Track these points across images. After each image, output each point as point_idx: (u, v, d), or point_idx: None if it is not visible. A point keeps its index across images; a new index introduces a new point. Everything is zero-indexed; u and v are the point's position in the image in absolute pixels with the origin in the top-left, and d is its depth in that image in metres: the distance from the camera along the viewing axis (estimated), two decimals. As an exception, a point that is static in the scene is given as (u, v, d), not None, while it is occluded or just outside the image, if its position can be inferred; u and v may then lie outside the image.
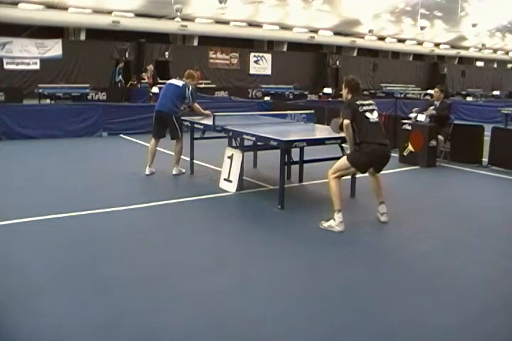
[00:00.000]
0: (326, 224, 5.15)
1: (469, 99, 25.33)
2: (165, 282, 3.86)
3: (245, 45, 27.64)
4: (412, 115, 9.07)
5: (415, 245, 4.88)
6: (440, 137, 8.86)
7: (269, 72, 27.83)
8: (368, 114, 5.19)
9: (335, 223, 5.10)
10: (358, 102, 5.22)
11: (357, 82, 5.43)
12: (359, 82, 5.47)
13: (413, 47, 34.70)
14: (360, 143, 5.15)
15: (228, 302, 3.57)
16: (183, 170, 7.67)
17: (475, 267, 4.35)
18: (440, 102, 9.10)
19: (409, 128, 8.93)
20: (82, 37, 22.65)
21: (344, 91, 5.41)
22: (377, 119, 5.27)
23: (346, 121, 5.11)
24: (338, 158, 5.64)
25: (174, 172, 7.58)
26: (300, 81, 27.01)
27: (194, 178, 7.53)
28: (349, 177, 6.35)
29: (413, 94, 26.53)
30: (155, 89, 14.88)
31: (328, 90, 23.44)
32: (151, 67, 18.75)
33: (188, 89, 7.47)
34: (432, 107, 9.08)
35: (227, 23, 25.65)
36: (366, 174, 5.75)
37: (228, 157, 6.71)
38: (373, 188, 5.59)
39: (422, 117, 8.83)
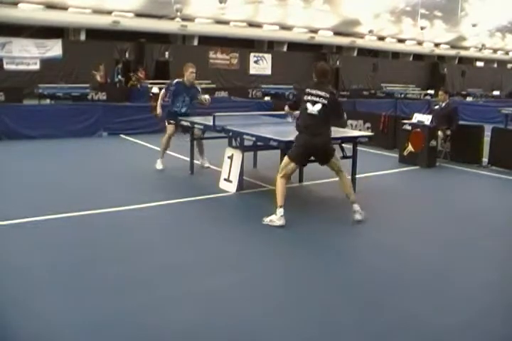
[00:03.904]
0: (267, 220, 5.23)
1: (469, 99, 25.28)
2: (164, 282, 3.86)
3: (245, 45, 27.63)
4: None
5: (415, 245, 4.88)
6: (440, 133, 8.91)
7: (269, 72, 27.81)
8: (308, 105, 5.26)
9: (276, 217, 5.18)
10: (306, 90, 5.32)
11: (323, 69, 5.47)
12: (326, 69, 5.52)
13: (413, 48, 34.69)
14: (298, 132, 5.38)
15: (227, 302, 3.57)
16: (160, 167, 7.73)
17: (475, 267, 4.36)
18: (446, 103, 9.38)
19: (409, 128, 8.94)
20: (82, 37, 22.65)
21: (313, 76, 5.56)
22: (316, 112, 5.24)
23: (286, 108, 5.76)
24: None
25: (157, 166, 7.74)
26: (300, 81, 26.99)
27: (194, 178, 7.53)
28: (349, 177, 6.35)
29: (413, 94, 26.51)
30: (155, 89, 14.86)
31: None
32: (103, 66, 18.70)
33: (171, 85, 7.73)
34: (437, 106, 9.48)
35: (227, 23, 25.65)
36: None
37: (228, 157, 6.71)
38: (341, 188, 5.59)
39: (422, 118, 8.85)
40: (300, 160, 5.42)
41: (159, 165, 7.80)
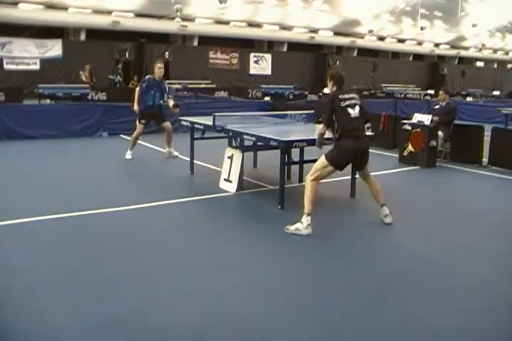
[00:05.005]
0: (292, 228, 4.99)
1: (469, 99, 25.30)
2: (164, 282, 3.86)
3: (245, 45, 27.66)
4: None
5: (415, 245, 4.88)
6: (440, 134, 8.91)
7: (269, 72, 27.84)
8: (349, 110, 5.15)
9: (302, 226, 4.96)
10: (339, 96, 5.20)
11: (341, 74, 5.45)
12: (343, 75, 5.47)
13: (413, 48, 34.72)
14: (338, 138, 5.17)
15: (228, 302, 3.57)
16: (129, 157, 8.42)
17: (475, 267, 4.35)
18: (446, 103, 9.40)
19: (409, 128, 8.94)
20: (82, 37, 22.66)
21: (329, 84, 5.44)
22: (358, 115, 5.21)
23: (321, 126, 5.26)
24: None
25: (126, 156, 8.46)
26: (300, 81, 27.01)
27: (194, 178, 7.53)
28: (349, 177, 6.36)
29: (413, 94, 26.55)
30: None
31: (328, 90, 23.35)
32: (88, 66, 18.74)
33: (144, 81, 8.58)
34: (437, 106, 9.48)
35: (227, 23, 25.66)
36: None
37: (228, 157, 6.71)
38: (371, 192, 5.47)
39: (422, 118, 8.85)
40: (340, 165, 5.21)
41: (128, 156, 8.48)
